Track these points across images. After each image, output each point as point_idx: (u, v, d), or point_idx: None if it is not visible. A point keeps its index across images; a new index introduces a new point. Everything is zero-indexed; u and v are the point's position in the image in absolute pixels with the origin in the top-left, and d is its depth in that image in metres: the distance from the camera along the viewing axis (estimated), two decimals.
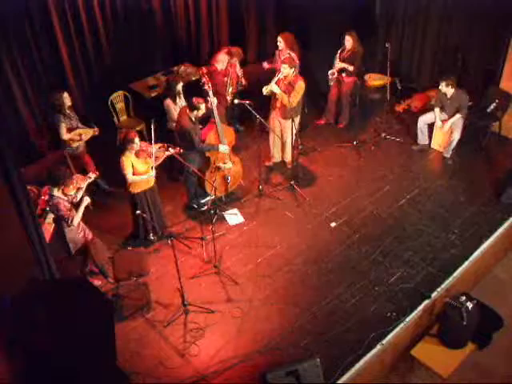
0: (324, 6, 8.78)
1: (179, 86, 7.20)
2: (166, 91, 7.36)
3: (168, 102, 7.20)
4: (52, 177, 5.59)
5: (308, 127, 8.50)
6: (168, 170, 7.41)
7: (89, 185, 5.99)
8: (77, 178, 5.81)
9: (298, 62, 7.71)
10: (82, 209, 5.73)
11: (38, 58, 7.38)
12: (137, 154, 6.10)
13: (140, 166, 6.13)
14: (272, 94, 7.09)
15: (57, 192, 5.60)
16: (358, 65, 7.99)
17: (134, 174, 6.10)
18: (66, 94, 6.73)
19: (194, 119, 6.53)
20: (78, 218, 5.69)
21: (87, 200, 5.78)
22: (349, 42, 7.78)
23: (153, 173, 6.18)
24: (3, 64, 6.94)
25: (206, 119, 6.90)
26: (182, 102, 7.17)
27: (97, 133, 6.88)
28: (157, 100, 7.89)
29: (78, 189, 5.80)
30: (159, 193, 6.58)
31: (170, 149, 6.29)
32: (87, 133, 6.84)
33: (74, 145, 6.78)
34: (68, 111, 6.78)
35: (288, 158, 7.69)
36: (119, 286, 5.95)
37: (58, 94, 6.68)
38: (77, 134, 6.77)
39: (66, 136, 6.75)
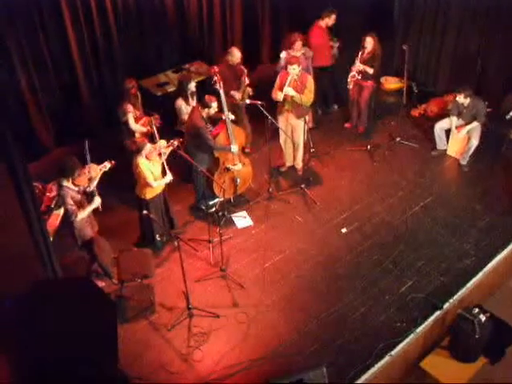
0: (341, 6, 8.64)
1: (192, 86, 7.04)
2: (178, 90, 7.22)
3: (180, 102, 7.04)
4: (63, 167, 5.45)
5: (318, 124, 8.43)
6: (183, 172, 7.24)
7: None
8: (89, 168, 5.69)
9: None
10: (90, 208, 5.60)
11: (48, 53, 7.32)
12: (147, 157, 5.98)
13: (155, 170, 6.03)
14: (286, 98, 6.93)
15: (66, 182, 5.45)
16: (377, 67, 7.82)
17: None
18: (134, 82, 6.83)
19: (205, 117, 6.41)
20: (82, 215, 5.53)
21: (98, 201, 5.62)
22: (370, 43, 7.62)
23: (170, 176, 6.06)
24: (12, 58, 6.90)
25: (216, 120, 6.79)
26: (195, 102, 7.00)
27: (157, 121, 6.81)
28: (166, 97, 7.80)
29: (91, 179, 5.67)
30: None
31: (173, 142, 6.17)
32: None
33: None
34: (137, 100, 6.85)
35: (299, 163, 7.53)
36: (123, 286, 5.86)
37: (131, 81, 6.75)
38: (143, 125, 6.85)
39: (134, 126, 6.79)
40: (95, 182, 5.70)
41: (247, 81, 7.47)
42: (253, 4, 9.29)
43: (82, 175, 5.50)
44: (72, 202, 5.45)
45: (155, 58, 8.44)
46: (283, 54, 7.76)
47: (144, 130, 6.77)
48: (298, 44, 7.61)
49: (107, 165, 5.86)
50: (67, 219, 5.62)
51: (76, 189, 5.52)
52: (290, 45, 7.68)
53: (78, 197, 5.53)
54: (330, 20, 8.15)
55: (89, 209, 5.59)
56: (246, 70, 7.45)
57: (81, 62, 7.66)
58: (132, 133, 6.84)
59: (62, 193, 5.44)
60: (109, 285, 5.93)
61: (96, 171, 5.74)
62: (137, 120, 6.84)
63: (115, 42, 7.93)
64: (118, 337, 3.65)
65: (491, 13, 8.08)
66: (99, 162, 6.07)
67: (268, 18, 9.59)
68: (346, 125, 8.57)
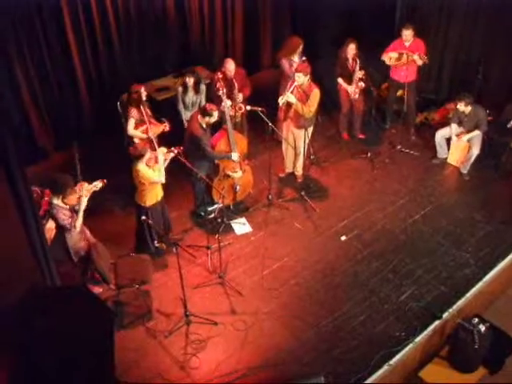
0: (342, 10, 8.63)
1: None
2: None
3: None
4: (55, 184, 5.45)
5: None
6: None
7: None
8: (81, 187, 5.64)
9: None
10: (81, 213, 5.55)
11: (48, 57, 7.30)
12: (147, 164, 5.94)
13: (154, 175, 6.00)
14: (287, 104, 6.89)
15: (57, 200, 5.45)
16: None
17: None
18: (143, 89, 6.71)
19: (204, 126, 6.39)
20: (79, 221, 5.52)
21: (84, 202, 5.55)
22: (353, 49, 7.64)
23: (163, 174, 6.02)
24: (12, 61, 6.89)
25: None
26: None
27: (167, 128, 6.70)
28: (166, 102, 7.77)
29: (80, 197, 5.60)
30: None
31: (173, 149, 6.10)
32: (156, 129, 6.75)
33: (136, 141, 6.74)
34: (142, 106, 6.69)
35: (299, 171, 7.48)
36: (120, 292, 5.81)
37: (138, 87, 6.66)
38: (144, 132, 6.73)
39: (132, 131, 6.70)
40: (85, 201, 5.62)
41: (240, 97, 7.29)
42: (254, 9, 9.26)
43: (72, 194, 5.46)
44: (65, 217, 5.45)
45: (156, 62, 8.41)
46: (284, 64, 7.65)
47: (144, 136, 6.73)
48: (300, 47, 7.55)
49: (98, 184, 5.75)
50: (61, 236, 5.60)
51: (66, 207, 5.50)
52: (292, 50, 7.61)
53: (68, 213, 5.51)
54: (403, 34, 7.84)
55: (81, 213, 5.54)
56: (236, 84, 7.21)
57: (81, 65, 7.64)
58: (130, 137, 6.82)
59: (53, 211, 5.43)
60: (105, 291, 5.88)
61: (87, 190, 5.66)
62: (137, 126, 6.79)
63: (116, 46, 7.91)
64: (115, 344, 3.62)
65: (493, 20, 8.07)
66: (96, 167, 6.05)
67: (269, 23, 9.56)
68: (344, 135, 8.43)
